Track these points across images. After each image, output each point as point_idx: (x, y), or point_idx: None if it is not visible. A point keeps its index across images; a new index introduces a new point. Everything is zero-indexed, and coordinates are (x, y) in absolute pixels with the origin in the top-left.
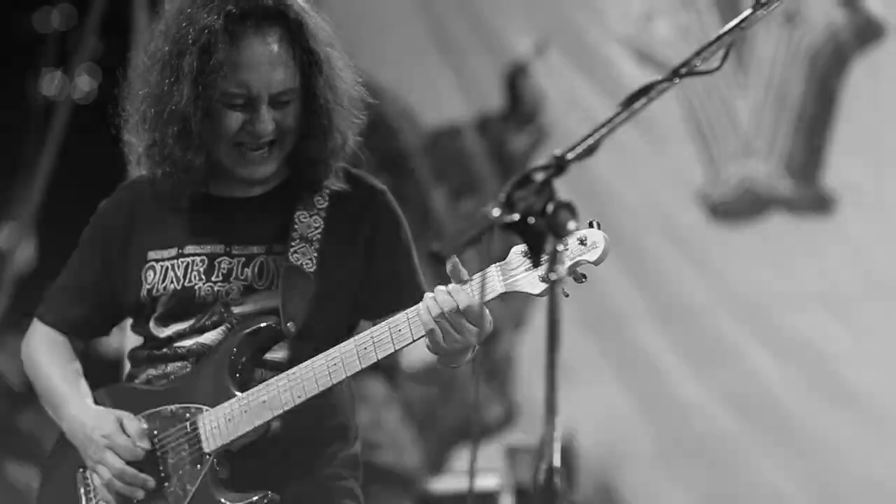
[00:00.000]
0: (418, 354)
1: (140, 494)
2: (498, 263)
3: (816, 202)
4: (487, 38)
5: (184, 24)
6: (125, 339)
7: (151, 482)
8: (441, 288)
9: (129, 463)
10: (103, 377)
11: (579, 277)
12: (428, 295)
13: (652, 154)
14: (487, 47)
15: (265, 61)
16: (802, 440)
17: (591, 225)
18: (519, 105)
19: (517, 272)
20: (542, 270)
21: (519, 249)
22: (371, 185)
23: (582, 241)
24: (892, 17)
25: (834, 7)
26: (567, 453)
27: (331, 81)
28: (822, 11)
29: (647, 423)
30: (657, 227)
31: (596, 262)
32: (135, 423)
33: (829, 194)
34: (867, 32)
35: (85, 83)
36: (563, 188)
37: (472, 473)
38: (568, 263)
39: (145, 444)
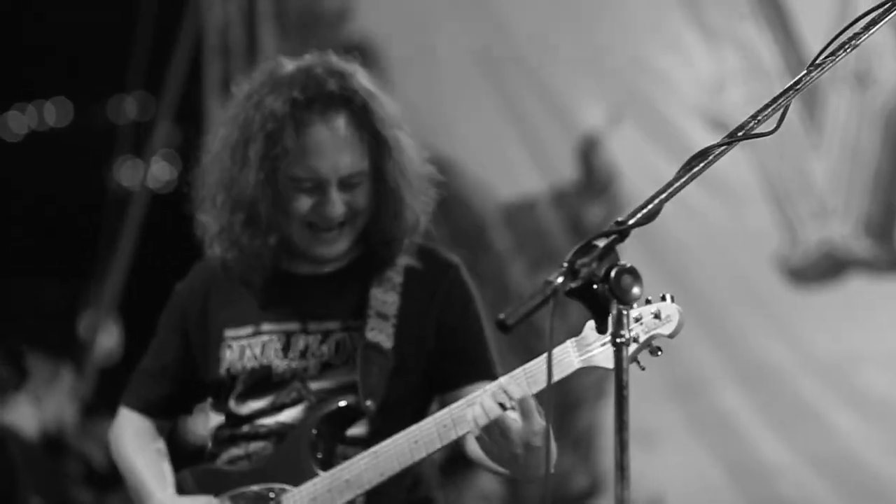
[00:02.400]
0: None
1: None
2: (573, 339)
3: (895, 262)
4: (559, 111)
5: (251, 111)
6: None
7: None
8: (489, 390)
9: None
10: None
11: (654, 351)
12: (476, 402)
13: (728, 219)
14: (559, 119)
15: (332, 146)
16: (888, 500)
17: (663, 298)
18: (593, 176)
19: (593, 347)
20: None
21: (593, 324)
22: (445, 260)
23: (656, 315)
24: None
25: None
26: None
27: (399, 162)
28: (893, 70)
29: (734, 487)
30: (736, 291)
31: (671, 336)
32: None
33: None
34: None
35: (161, 171)
36: (641, 255)
37: None
38: (643, 337)
39: None
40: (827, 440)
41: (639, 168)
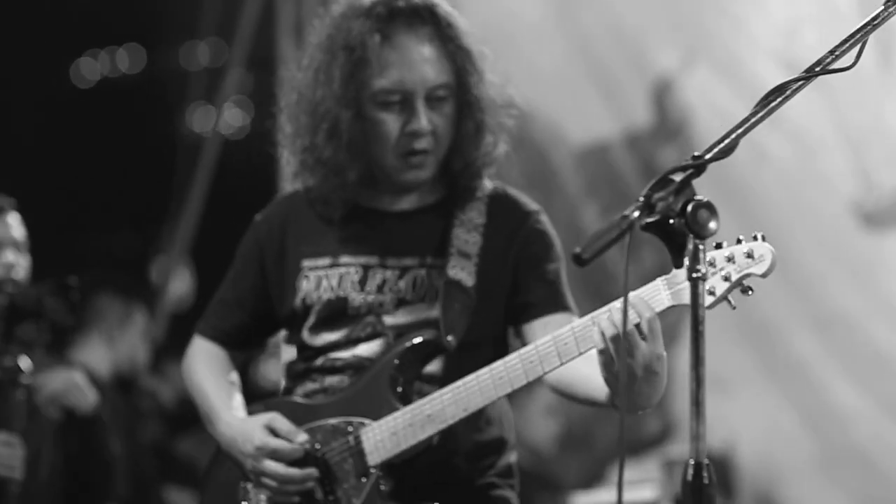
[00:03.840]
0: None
1: (316, 492)
2: (664, 277)
3: None
4: (633, 54)
5: (335, 33)
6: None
7: (316, 473)
8: (616, 305)
9: (292, 464)
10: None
11: (746, 290)
12: (602, 315)
13: (803, 164)
14: (633, 63)
15: (418, 56)
16: None
17: (755, 238)
18: (666, 119)
19: (683, 285)
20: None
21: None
22: (526, 204)
23: (749, 255)
24: None
25: None
26: (727, 465)
27: (483, 78)
28: None
29: (806, 433)
30: (810, 236)
31: (764, 275)
32: (284, 422)
33: None
34: None
35: (234, 117)
36: (716, 200)
37: (620, 486)
38: (735, 276)
39: (302, 438)
40: None
41: (712, 111)
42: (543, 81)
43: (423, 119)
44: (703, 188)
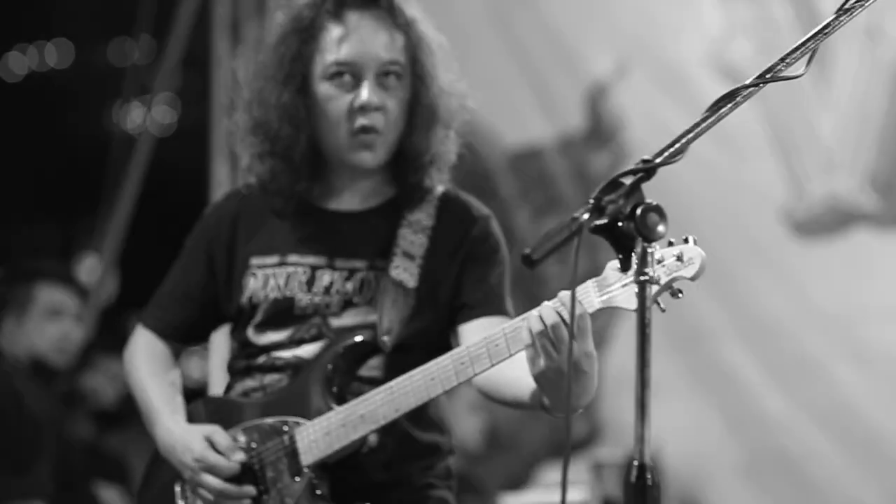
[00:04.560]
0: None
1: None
2: (594, 279)
3: None
4: (568, 59)
5: (286, 22)
6: (211, 367)
7: (253, 492)
8: (547, 303)
9: (228, 479)
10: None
11: (676, 293)
12: (533, 313)
13: (734, 170)
14: (568, 68)
15: (371, 34)
16: (887, 452)
17: (686, 241)
18: (600, 125)
19: (613, 288)
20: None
21: (614, 265)
22: (477, 208)
23: (679, 258)
24: None
25: None
26: (654, 469)
27: (438, 66)
28: None
29: (733, 439)
30: (741, 243)
31: (693, 278)
32: (224, 437)
33: None
34: None
35: (165, 114)
36: None
37: (564, 487)
38: (665, 279)
39: (239, 457)
40: (829, 394)
41: (646, 117)
42: (478, 85)
43: (374, 93)
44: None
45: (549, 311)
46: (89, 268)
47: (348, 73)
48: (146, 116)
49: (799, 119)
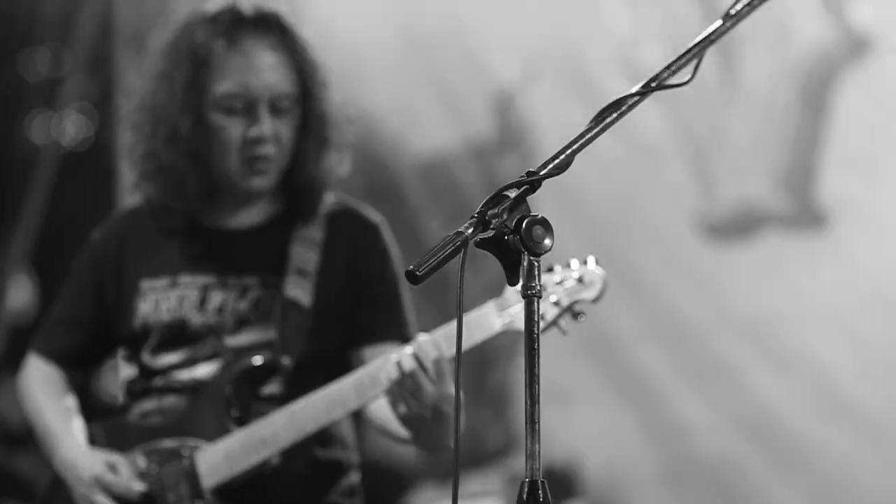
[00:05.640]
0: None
1: None
2: (495, 300)
3: (811, 217)
4: (474, 64)
5: (180, 39)
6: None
7: None
8: (406, 349)
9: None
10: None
11: (577, 315)
12: (392, 357)
13: (645, 173)
14: (475, 74)
15: (264, 64)
16: (805, 456)
17: (585, 262)
18: (508, 130)
19: (514, 309)
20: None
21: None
22: (366, 218)
23: (580, 280)
24: (878, 29)
25: (821, 21)
26: (572, 477)
27: (326, 93)
28: (810, 26)
29: (651, 445)
30: (652, 247)
31: (594, 301)
32: (126, 465)
33: (824, 209)
34: (855, 46)
35: (75, 124)
36: (554, 212)
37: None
38: (566, 301)
39: (138, 486)
40: (745, 398)
41: (555, 122)
42: (385, 92)
43: (267, 124)
44: (542, 200)
45: (407, 358)
46: (18, 285)
47: (241, 103)
48: (53, 127)
49: (707, 121)
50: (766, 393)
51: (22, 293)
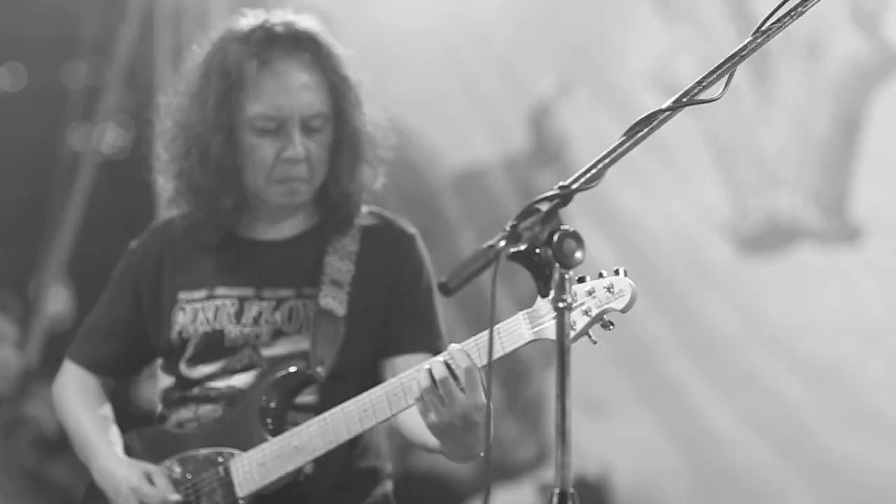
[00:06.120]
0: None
1: None
2: (526, 311)
3: (844, 232)
4: (511, 78)
5: (212, 57)
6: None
7: None
8: (437, 358)
9: None
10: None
11: (607, 325)
12: (424, 366)
13: (678, 188)
14: (510, 88)
15: (297, 84)
16: (835, 468)
17: (616, 272)
18: (543, 143)
19: (545, 319)
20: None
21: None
22: (401, 230)
23: (609, 289)
24: None
25: (855, 37)
26: (604, 489)
27: (361, 109)
28: (844, 41)
29: (682, 457)
30: (686, 261)
31: (623, 310)
32: (163, 477)
33: (857, 224)
34: (888, 61)
35: (112, 135)
36: (590, 224)
37: None
38: (595, 311)
39: (175, 497)
40: (775, 410)
41: (590, 136)
42: (421, 105)
43: (299, 146)
44: (575, 211)
45: (439, 366)
46: (36, 286)
47: (274, 124)
48: (93, 137)
49: (741, 136)
50: (797, 405)
51: (59, 302)
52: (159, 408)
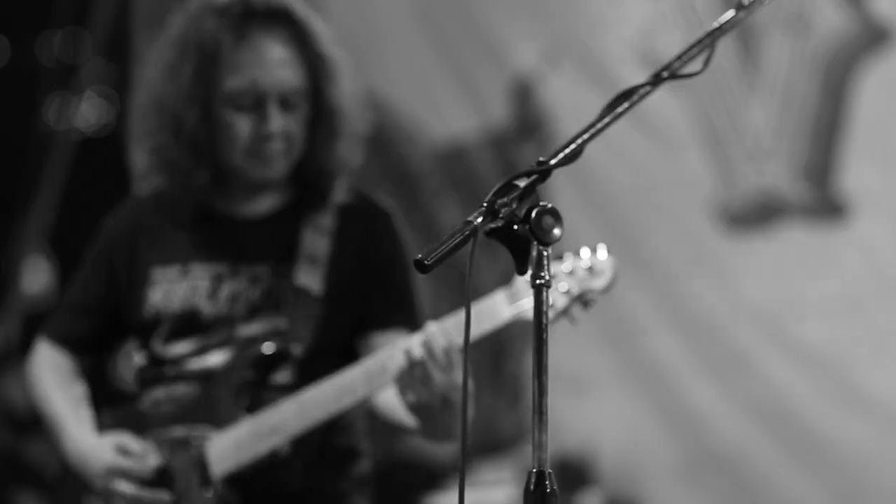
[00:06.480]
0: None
1: None
2: (504, 289)
3: (830, 207)
4: (492, 50)
5: (188, 30)
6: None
7: (167, 497)
8: (415, 337)
9: (142, 484)
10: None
11: (587, 305)
12: (400, 345)
13: (663, 162)
14: (492, 59)
15: (274, 59)
16: (822, 448)
17: (595, 251)
18: (526, 118)
19: (524, 298)
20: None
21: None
22: (378, 206)
23: (590, 269)
24: None
25: (842, 10)
26: (587, 466)
27: (338, 86)
28: (828, 14)
29: (666, 436)
30: (670, 235)
31: (604, 291)
32: (135, 442)
33: (844, 199)
34: (875, 35)
35: (93, 107)
36: (574, 200)
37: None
38: (576, 291)
39: (152, 460)
40: (761, 388)
41: (573, 110)
42: (402, 77)
43: (276, 122)
44: (560, 188)
45: (416, 346)
46: (13, 262)
47: (250, 99)
48: (69, 111)
49: (727, 108)
50: (783, 383)
51: (40, 276)
52: (132, 386)
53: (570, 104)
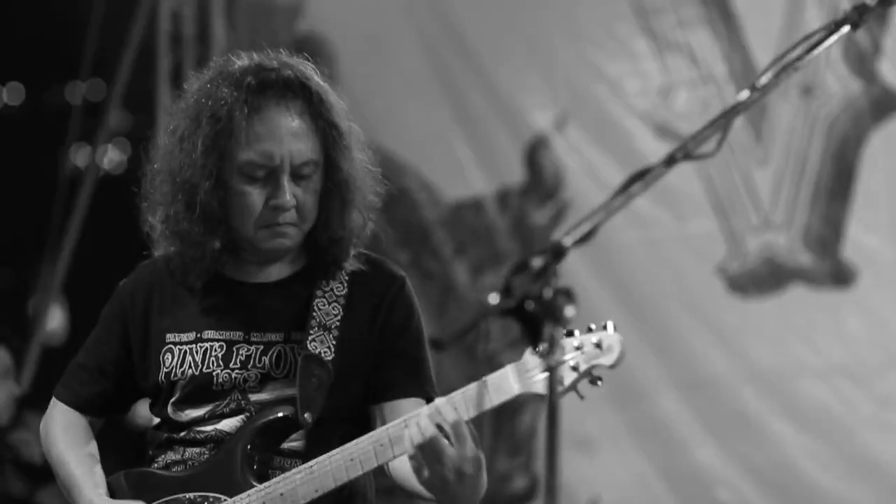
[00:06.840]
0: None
1: None
2: (514, 364)
3: (836, 274)
4: (507, 112)
5: (203, 100)
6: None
7: None
8: (423, 412)
9: None
10: (134, 447)
11: (595, 381)
12: (412, 421)
13: (673, 228)
14: (507, 122)
15: (287, 131)
16: None
17: (605, 327)
18: (539, 179)
19: (533, 373)
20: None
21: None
22: (390, 272)
23: (598, 345)
24: None
25: (850, 79)
26: None
27: (351, 156)
28: (839, 83)
29: (670, 495)
30: (678, 299)
31: (612, 367)
32: None
33: (849, 266)
34: (883, 103)
35: (112, 155)
36: (585, 262)
37: None
38: (584, 367)
39: None
40: (764, 450)
41: (585, 171)
42: (418, 138)
43: (288, 194)
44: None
45: (426, 423)
46: (33, 305)
47: (263, 171)
48: (93, 157)
49: (737, 176)
50: (786, 446)
51: (54, 321)
52: (149, 451)
53: (582, 164)
